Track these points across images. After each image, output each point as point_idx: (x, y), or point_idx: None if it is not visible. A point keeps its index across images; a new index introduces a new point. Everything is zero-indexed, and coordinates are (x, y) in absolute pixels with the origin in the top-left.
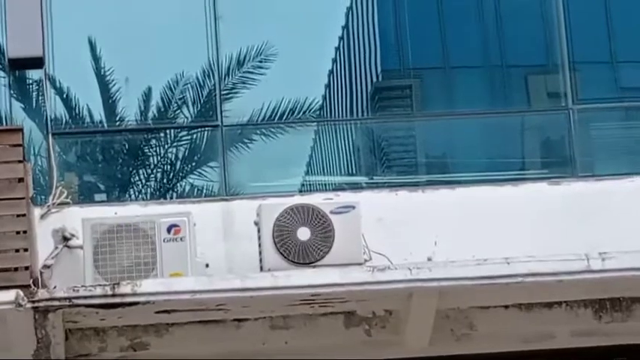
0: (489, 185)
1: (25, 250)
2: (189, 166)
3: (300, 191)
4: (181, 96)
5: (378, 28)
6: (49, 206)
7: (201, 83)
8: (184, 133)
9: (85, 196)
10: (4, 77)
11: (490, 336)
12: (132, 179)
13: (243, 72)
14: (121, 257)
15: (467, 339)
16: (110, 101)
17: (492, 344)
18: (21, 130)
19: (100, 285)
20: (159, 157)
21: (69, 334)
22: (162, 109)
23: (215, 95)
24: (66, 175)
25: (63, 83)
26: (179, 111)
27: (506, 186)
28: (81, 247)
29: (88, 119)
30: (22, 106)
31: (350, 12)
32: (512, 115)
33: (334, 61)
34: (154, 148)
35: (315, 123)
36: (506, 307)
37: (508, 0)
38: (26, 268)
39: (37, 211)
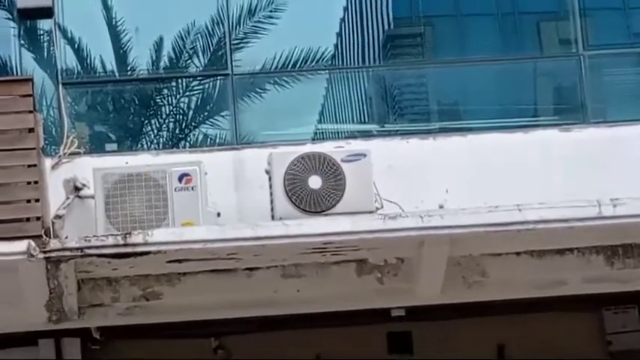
0: (501, 132)
1: (37, 200)
2: (201, 115)
3: (312, 140)
4: (192, 45)
5: None
6: (59, 156)
7: (212, 32)
8: (195, 82)
9: (95, 146)
10: (14, 27)
11: (502, 283)
12: (143, 129)
13: (255, 21)
14: (132, 207)
15: (478, 286)
16: (121, 51)
17: (504, 291)
18: (31, 80)
19: (111, 235)
20: (170, 107)
21: (81, 284)
22: (174, 59)
23: (225, 44)
24: (77, 125)
25: (73, 33)
26: (190, 61)
27: (517, 133)
28: (92, 197)
29: (99, 69)
30: (33, 56)
31: None
32: (523, 61)
33: (345, 9)
34: (165, 98)
35: (327, 71)
36: (518, 254)
37: None
38: (38, 218)
39: (48, 162)
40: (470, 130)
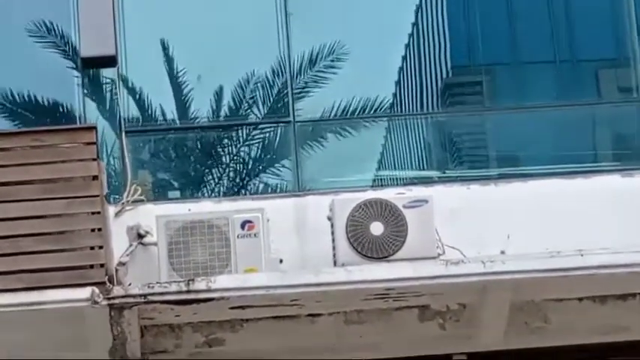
0: (561, 178)
1: (100, 247)
2: (262, 163)
3: (373, 186)
4: (252, 95)
5: (447, 25)
6: (123, 204)
7: (272, 82)
8: (257, 131)
9: (158, 193)
10: (77, 76)
11: (564, 328)
12: (205, 177)
13: (315, 71)
14: (195, 253)
15: (541, 332)
16: (182, 100)
17: (567, 337)
18: (94, 128)
19: (174, 281)
20: (231, 155)
21: (144, 330)
22: (234, 108)
23: (286, 94)
24: (139, 173)
25: (135, 83)
26: (250, 110)
27: (578, 178)
28: (155, 244)
29: (160, 118)
30: (96, 105)
31: (419, 9)
32: (582, 107)
33: (404, 58)
34: (227, 147)
35: (387, 119)
36: (580, 299)
37: None
38: (101, 265)
39: (111, 209)
40: (530, 175)
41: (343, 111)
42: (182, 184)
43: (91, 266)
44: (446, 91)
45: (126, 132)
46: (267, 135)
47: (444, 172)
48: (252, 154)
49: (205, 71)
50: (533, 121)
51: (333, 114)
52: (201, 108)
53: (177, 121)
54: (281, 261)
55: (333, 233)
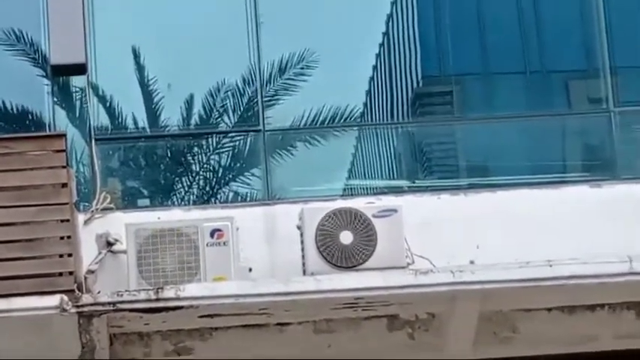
0: (530, 188)
1: (69, 255)
2: (232, 171)
3: (342, 195)
4: (223, 103)
5: (418, 35)
6: (92, 211)
7: (242, 90)
8: (227, 139)
9: (128, 201)
10: (47, 84)
11: (533, 339)
12: (174, 185)
13: (285, 79)
14: (164, 262)
15: (510, 342)
16: (153, 108)
17: (535, 347)
18: (64, 135)
19: (143, 289)
20: (201, 164)
21: (113, 338)
22: (205, 116)
23: (256, 102)
24: (109, 181)
25: (106, 90)
26: (220, 118)
27: (547, 189)
28: (124, 252)
29: (130, 126)
30: (65, 112)
31: (390, 19)
32: (552, 118)
33: (375, 67)
34: (197, 155)
35: (357, 128)
36: (549, 309)
37: (548, 5)
38: (70, 273)
39: (80, 217)
40: (500, 186)
41: (313, 120)
42: (152, 192)
43: (60, 274)
44: (416, 101)
45: (96, 140)
46: (237, 143)
47: (414, 182)
48: (222, 162)
49: (176, 79)
50: (503, 131)
51: (303, 122)
52: (171, 116)
53: (148, 129)
54: (250, 270)
55: (302, 242)
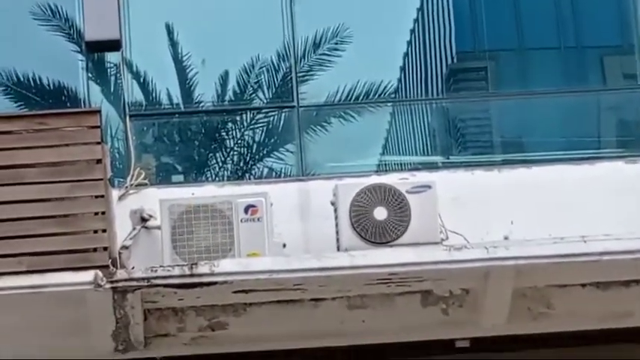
0: (565, 164)
1: (104, 230)
2: (266, 147)
3: (377, 171)
4: (257, 79)
5: (452, 10)
6: (126, 187)
7: (277, 66)
8: (261, 115)
9: (162, 177)
10: (82, 60)
11: (567, 315)
12: (208, 161)
13: (319, 54)
14: (198, 238)
15: (544, 317)
16: (187, 84)
17: (569, 323)
18: (99, 111)
19: (178, 265)
20: (235, 139)
21: (147, 314)
22: (239, 92)
23: (290, 78)
24: (143, 157)
25: (140, 66)
26: (254, 94)
27: (582, 165)
28: (159, 228)
29: (164, 102)
30: (100, 88)
31: None
32: (587, 94)
33: (409, 43)
34: (231, 131)
35: (391, 104)
36: (584, 285)
37: None
38: (105, 248)
39: (115, 193)
40: (534, 162)
41: (347, 96)
42: (186, 168)
43: (95, 250)
44: (450, 77)
45: (130, 116)
46: (271, 119)
47: (448, 158)
48: (256, 138)
49: (210, 55)
50: (537, 107)
51: (337, 98)
52: (205, 92)
53: (182, 106)
54: (284, 245)
55: (336, 218)
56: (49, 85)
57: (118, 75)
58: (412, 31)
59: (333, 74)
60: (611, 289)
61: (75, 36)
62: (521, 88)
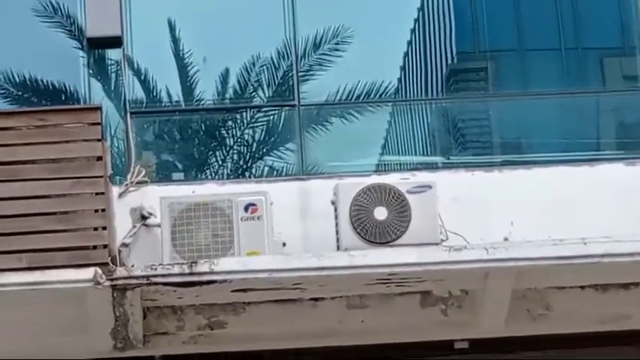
0: (565, 166)
1: (104, 228)
2: (266, 146)
3: (377, 171)
4: (257, 77)
5: (453, 10)
6: (127, 185)
7: (277, 64)
8: (261, 113)
9: (162, 175)
10: (83, 57)
11: (566, 316)
12: (209, 159)
13: (320, 54)
14: (198, 236)
15: (543, 319)
16: (188, 82)
17: (568, 325)
18: (99, 108)
19: (177, 263)
20: (236, 138)
21: (147, 312)
22: (239, 90)
23: (291, 76)
24: (143, 155)
25: (141, 64)
26: (255, 92)
27: (582, 166)
28: (159, 226)
29: (165, 99)
30: (101, 85)
31: None
32: (587, 95)
33: (409, 43)
34: (231, 129)
35: (391, 104)
36: (583, 287)
37: None
38: (104, 246)
39: (115, 190)
40: (534, 163)
41: (348, 95)
42: (186, 165)
43: (94, 247)
44: (451, 77)
45: (131, 113)
46: (272, 118)
47: (448, 158)
48: (257, 136)
49: (211, 53)
50: (537, 108)
51: (338, 98)
52: (206, 89)
53: (183, 103)
54: (284, 244)
55: (336, 217)
56: (49, 82)
57: (119, 72)
58: (412, 31)
59: (333, 73)
60: (610, 291)
61: (76, 32)
62: (522, 89)
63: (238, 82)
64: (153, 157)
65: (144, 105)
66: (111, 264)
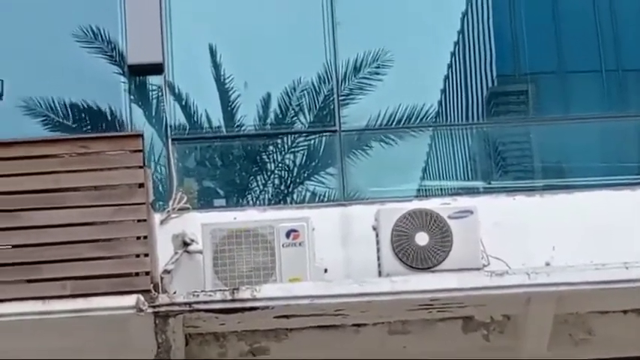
0: (607, 190)
1: (146, 255)
2: (307, 171)
3: (418, 196)
4: (298, 102)
5: (493, 33)
6: (168, 211)
7: (318, 89)
8: (302, 138)
9: (204, 201)
10: (124, 83)
11: (608, 341)
12: (250, 185)
13: (360, 78)
14: (240, 262)
15: (585, 344)
16: (229, 108)
17: (611, 349)
18: (141, 135)
19: (219, 290)
20: (277, 163)
21: (189, 338)
22: (280, 115)
23: (332, 100)
24: (185, 181)
25: (182, 90)
26: (296, 117)
27: (624, 190)
28: (200, 252)
29: (206, 125)
30: (142, 111)
31: (465, 17)
32: (628, 119)
33: (449, 66)
34: (272, 154)
35: (432, 128)
36: (625, 312)
37: (624, 3)
38: (147, 273)
39: (157, 217)
40: (575, 187)
41: (389, 119)
42: (227, 192)
43: (137, 274)
44: (491, 100)
45: (172, 139)
46: (313, 142)
47: (489, 183)
48: (298, 161)
49: (252, 78)
50: (579, 131)
51: (378, 122)
52: (247, 115)
53: (224, 129)
54: (326, 270)
55: (378, 243)
56: (91, 109)
57: (161, 98)
58: (453, 54)
59: (374, 97)
60: None
61: (117, 58)
62: (562, 112)
63: (279, 106)
64: (194, 184)
65: (185, 131)
66: (153, 291)
